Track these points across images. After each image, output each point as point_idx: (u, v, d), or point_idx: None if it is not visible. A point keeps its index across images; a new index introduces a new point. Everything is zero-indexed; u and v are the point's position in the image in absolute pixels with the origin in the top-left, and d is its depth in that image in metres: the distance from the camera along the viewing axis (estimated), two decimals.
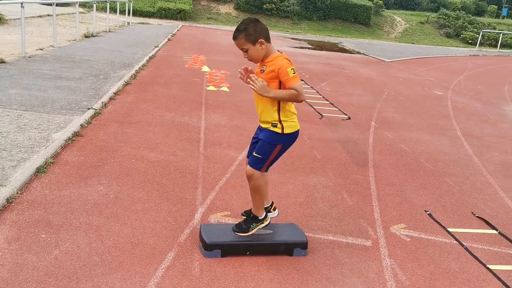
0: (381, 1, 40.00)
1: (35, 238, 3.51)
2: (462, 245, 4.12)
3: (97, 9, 19.42)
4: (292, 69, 3.24)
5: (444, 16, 39.93)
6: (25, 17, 12.03)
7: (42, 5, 22.81)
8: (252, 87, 3.31)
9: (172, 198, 4.46)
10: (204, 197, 4.56)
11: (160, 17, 31.21)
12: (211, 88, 9.80)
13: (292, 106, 3.43)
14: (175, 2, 32.78)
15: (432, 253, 3.94)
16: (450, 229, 4.41)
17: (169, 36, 19.61)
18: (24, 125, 5.90)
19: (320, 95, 10.41)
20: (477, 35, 35.43)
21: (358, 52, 22.87)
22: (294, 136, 3.46)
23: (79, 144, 5.60)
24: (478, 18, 42.29)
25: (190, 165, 5.35)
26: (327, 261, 3.65)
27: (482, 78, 17.39)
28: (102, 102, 7.44)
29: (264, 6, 34.80)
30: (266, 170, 3.55)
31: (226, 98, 9.09)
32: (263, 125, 3.46)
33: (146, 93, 8.67)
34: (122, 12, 24.65)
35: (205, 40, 20.64)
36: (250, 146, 3.69)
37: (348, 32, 34.90)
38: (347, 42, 28.70)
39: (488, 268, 3.77)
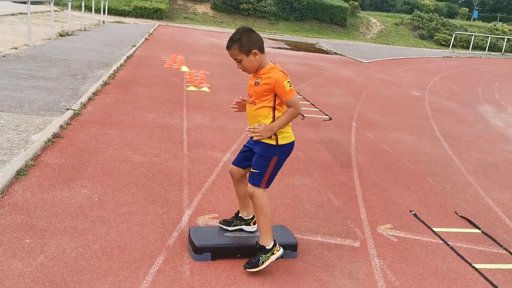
0: (356, 3, 40.41)
1: (19, 243, 3.41)
2: (448, 245, 4.17)
3: (71, 7, 19.07)
4: (288, 82, 3.21)
5: (418, 18, 40.56)
6: None
7: (14, 3, 22.31)
8: (257, 136, 3.26)
9: (158, 200, 4.39)
10: (191, 199, 4.51)
11: (136, 16, 30.84)
12: (192, 88, 9.73)
13: None
14: (151, 1, 32.45)
15: (419, 253, 3.98)
16: (435, 229, 4.46)
17: (146, 36, 19.39)
18: (1, 126, 5.73)
19: (301, 95, 10.44)
20: (450, 37, 36.09)
21: (335, 53, 23.04)
22: (289, 147, 3.40)
23: (59, 146, 5.48)
24: (450, 20, 43.09)
25: (174, 167, 5.29)
26: (317, 263, 3.65)
27: (456, 79, 17.72)
28: (81, 103, 7.30)
29: (241, 6, 34.76)
30: (267, 186, 3.42)
31: (207, 99, 9.03)
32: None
33: (126, 94, 8.54)
34: (97, 10, 24.28)
35: (182, 40, 20.49)
36: (239, 153, 3.62)
37: (324, 32, 35.13)
38: (324, 42, 28.89)
39: (474, 267, 3.82)
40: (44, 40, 14.33)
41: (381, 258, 3.83)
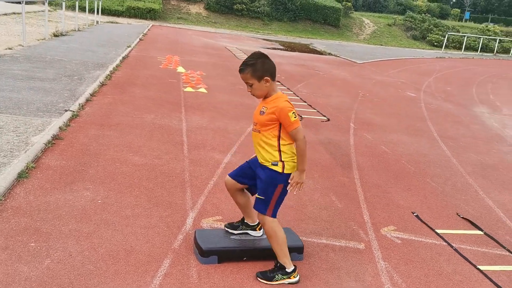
0: (349, 3, 40.50)
1: (24, 247, 3.38)
2: (452, 247, 4.19)
3: (65, 7, 18.93)
4: (293, 113, 3.20)
5: (410, 19, 40.73)
6: None
7: (7, 3, 22.13)
8: (299, 187, 3.32)
9: (162, 203, 4.37)
10: (194, 201, 4.49)
11: (129, 16, 30.69)
12: (189, 89, 9.70)
13: (293, 147, 3.33)
14: (144, 1, 32.32)
15: (424, 255, 4.00)
16: (438, 231, 4.48)
17: (140, 36, 19.31)
18: (0, 128, 5.68)
19: (298, 96, 10.45)
20: (442, 38, 36.27)
21: (329, 54, 23.08)
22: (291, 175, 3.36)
23: (59, 148, 5.44)
24: (442, 21, 43.32)
25: (176, 169, 5.27)
26: (323, 265, 3.65)
27: (450, 79, 17.82)
28: (79, 104, 7.25)
29: (235, 6, 34.71)
30: (274, 215, 3.37)
31: (204, 100, 9.01)
32: (263, 163, 3.34)
33: (123, 95, 8.50)
34: (90, 10, 24.14)
35: (177, 40, 20.44)
36: (239, 167, 3.61)
37: (318, 33, 35.18)
38: (317, 43, 28.93)
39: (478, 269, 3.85)
40: (38, 40, 14.22)
41: (386, 260, 3.84)
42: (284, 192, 3.37)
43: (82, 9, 24.00)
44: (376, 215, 4.70)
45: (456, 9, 60.94)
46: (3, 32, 15.08)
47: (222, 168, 5.45)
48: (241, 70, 3.29)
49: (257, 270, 3.43)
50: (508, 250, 4.26)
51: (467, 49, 36.07)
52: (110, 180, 4.71)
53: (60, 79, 8.90)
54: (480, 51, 36.09)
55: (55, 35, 15.61)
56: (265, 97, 3.34)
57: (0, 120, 5.96)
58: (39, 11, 23.64)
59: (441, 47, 34.93)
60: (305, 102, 9.98)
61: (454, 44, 37.03)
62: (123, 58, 12.76)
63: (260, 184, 3.35)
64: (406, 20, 40.73)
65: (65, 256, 3.33)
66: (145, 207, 4.24)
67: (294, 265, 3.40)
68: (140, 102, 8.09)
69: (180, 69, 12.11)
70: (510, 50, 37.68)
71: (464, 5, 68.99)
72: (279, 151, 3.29)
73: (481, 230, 4.62)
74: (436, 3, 53.92)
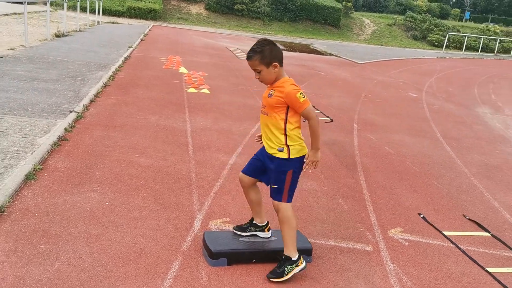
0: (350, 3, 40.51)
1: (34, 249, 3.38)
2: (459, 248, 4.19)
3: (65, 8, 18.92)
4: (301, 93, 3.25)
5: (410, 19, 40.75)
6: None
7: (7, 3, 22.12)
8: (315, 166, 3.42)
9: (169, 204, 4.38)
10: (201, 203, 4.50)
11: (130, 17, 30.68)
12: (192, 90, 9.70)
13: (299, 132, 3.40)
14: (144, 2, 32.32)
15: (432, 257, 4.00)
16: (445, 232, 4.48)
17: (141, 36, 19.31)
18: (6, 129, 5.68)
19: None
20: (443, 38, 36.31)
21: (330, 54, 23.09)
22: (302, 160, 3.42)
23: (65, 149, 5.44)
24: (443, 21, 43.33)
25: (182, 170, 5.27)
26: (332, 267, 3.65)
27: (451, 80, 17.83)
28: (83, 105, 7.25)
29: (235, 6, 34.71)
30: (289, 200, 3.44)
31: (207, 100, 9.01)
32: (270, 151, 3.39)
33: (126, 95, 8.50)
34: (91, 10, 24.11)
35: (178, 41, 20.43)
36: (250, 162, 3.66)
37: (318, 33, 35.19)
38: (318, 43, 28.94)
39: (487, 271, 3.85)
40: (40, 41, 14.22)
41: (394, 262, 3.84)
42: (295, 177, 3.43)
43: (82, 9, 23.99)
44: (383, 216, 4.70)
45: (456, 9, 60.96)
46: (5, 32, 15.08)
47: (227, 170, 5.46)
48: (249, 57, 3.33)
49: (266, 272, 3.43)
50: None
51: (467, 49, 36.10)
52: (117, 182, 4.72)
53: (64, 80, 8.90)
54: (480, 51, 36.13)
55: (57, 36, 15.61)
56: (273, 82, 3.39)
57: (5, 122, 5.96)
58: (39, 11, 23.63)
59: (442, 47, 34.96)
60: None
61: (455, 44, 37.06)
62: (125, 58, 12.76)
63: (272, 174, 3.42)
64: (406, 20, 40.76)
65: (75, 258, 3.33)
66: (153, 209, 4.24)
67: (298, 252, 3.44)
68: (143, 103, 8.09)
69: (182, 69, 12.11)
70: (511, 50, 37.70)
71: (464, 5, 69.02)
72: (285, 135, 3.36)
73: (488, 231, 4.63)
74: (436, 3, 53.93)
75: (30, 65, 9.91)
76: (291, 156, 3.38)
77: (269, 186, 3.50)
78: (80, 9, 22.45)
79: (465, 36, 36.50)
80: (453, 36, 37.11)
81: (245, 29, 32.59)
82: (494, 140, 8.77)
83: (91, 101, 7.71)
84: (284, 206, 3.40)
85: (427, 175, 6.18)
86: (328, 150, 6.71)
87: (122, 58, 12.53)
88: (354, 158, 6.51)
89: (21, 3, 13.57)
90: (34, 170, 4.65)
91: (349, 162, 6.30)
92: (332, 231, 4.25)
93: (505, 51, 38.19)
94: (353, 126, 8.43)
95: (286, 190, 3.40)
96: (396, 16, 42.85)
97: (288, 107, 3.31)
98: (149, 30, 23.47)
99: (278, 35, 31.91)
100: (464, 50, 35.39)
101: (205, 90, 9.85)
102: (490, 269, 3.88)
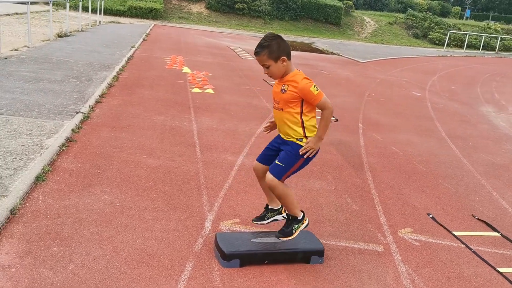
0: (350, 2, 40.48)
1: (48, 252, 3.39)
2: (470, 249, 4.20)
3: (66, 7, 18.89)
4: (314, 86, 3.28)
5: (411, 17, 40.70)
6: None
7: (8, 3, 22.10)
8: (311, 153, 3.37)
9: (179, 206, 4.38)
10: (211, 204, 4.50)
11: (131, 16, 30.67)
12: (196, 90, 9.70)
13: (314, 121, 3.44)
14: (146, 1, 32.31)
15: (443, 257, 4.00)
16: (455, 232, 4.48)
17: (143, 36, 19.30)
18: (14, 131, 5.69)
19: None
20: (444, 36, 36.28)
21: (332, 53, 23.08)
22: (316, 152, 3.45)
23: (73, 150, 5.45)
24: (443, 19, 43.29)
25: (190, 171, 5.28)
26: (344, 268, 3.66)
27: (454, 78, 17.82)
28: (89, 106, 7.26)
29: (236, 5, 34.69)
30: (283, 181, 3.50)
31: (212, 100, 9.01)
32: (288, 138, 3.44)
33: (132, 96, 8.50)
34: (92, 10, 24.10)
35: (180, 40, 20.43)
36: (265, 150, 3.67)
37: (319, 32, 35.17)
38: (319, 42, 28.93)
39: (498, 272, 3.85)
40: (43, 41, 14.23)
41: (406, 263, 3.84)
42: (303, 165, 3.50)
43: (84, 9, 23.97)
44: (392, 217, 4.70)
45: (456, 7, 60.90)
46: (7, 33, 15.07)
47: (236, 170, 5.46)
48: (257, 53, 3.35)
49: (279, 274, 3.45)
50: None
51: (468, 47, 36.06)
52: (126, 183, 4.72)
53: (69, 81, 8.90)
54: (481, 49, 36.09)
55: (59, 36, 15.61)
56: (283, 76, 3.39)
57: (13, 123, 5.97)
58: (41, 11, 23.63)
59: (443, 46, 34.93)
60: None
61: (456, 43, 37.03)
62: (128, 58, 12.77)
63: (283, 154, 3.44)
64: (407, 18, 40.71)
65: (88, 261, 3.34)
66: (163, 210, 4.25)
67: (302, 210, 3.61)
68: (149, 104, 8.09)
69: (186, 69, 12.11)
70: None
71: (465, 3, 68.95)
72: (303, 127, 3.40)
73: (498, 231, 4.63)
74: (436, 1, 53.89)
75: (34, 66, 9.91)
76: None
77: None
78: (82, 8, 22.45)
79: (466, 34, 36.47)
80: (454, 34, 37.08)
81: (246, 28, 32.57)
82: (500, 139, 8.77)
83: (97, 102, 7.71)
84: (278, 183, 3.43)
85: (434, 174, 6.18)
86: (334, 150, 6.71)
87: (125, 58, 12.53)
88: (360, 158, 6.51)
89: (24, 3, 13.56)
90: (43, 171, 4.66)
91: (356, 162, 6.31)
92: (342, 231, 4.26)
93: (506, 49, 38.15)
94: (358, 125, 8.43)
95: (289, 173, 3.47)
96: (397, 14, 42.83)
97: (302, 100, 3.33)
98: (151, 29, 23.46)
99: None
100: (465, 48, 35.35)
101: (210, 90, 9.85)
102: (501, 269, 3.88)
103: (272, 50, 3.28)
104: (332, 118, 8.71)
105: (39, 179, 4.50)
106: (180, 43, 19.38)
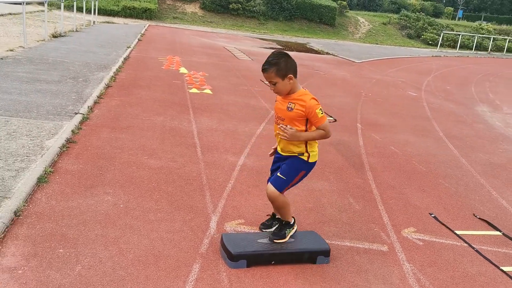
0: (344, 2, 40.58)
1: (53, 253, 3.37)
2: (473, 248, 4.22)
3: (59, 8, 18.78)
4: (320, 109, 3.37)
5: (405, 18, 40.85)
6: None
7: (2, 3, 21.94)
8: (283, 136, 3.40)
9: (183, 206, 4.37)
10: (215, 205, 4.50)
11: (125, 16, 30.55)
12: (194, 90, 9.69)
13: None
14: (140, 1, 32.20)
15: (447, 256, 4.02)
16: (457, 232, 4.51)
17: (138, 36, 19.24)
18: (13, 132, 5.65)
19: None
20: (437, 36, 36.45)
21: (327, 53, 23.12)
22: (314, 164, 3.60)
23: (74, 151, 5.42)
24: (436, 20, 43.50)
25: (192, 172, 5.27)
26: (350, 268, 3.67)
27: (448, 78, 17.91)
28: (88, 107, 7.22)
29: (230, 6, 34.66)
30: (283, 193, 3.59)
31: (211, 101, 9.00)
32: (289, 154, 3.53)
33: (130, 96, 8.48)
34: (86, 10, 23.99)
35: (175, 41, 20.38)
36: (271, 171, 3.75)
37: (314, 32, 35.22)
38: (314, 42, 28.96)
39: (502, 270, 3.88)
40: (38, 41, 14.14)
41: (411, 262, 3.86)
42: (302, 178, 3.61)
43: (78, 9, 23.85)
44: (395, 216, 4.72)
45: (449, 7, 61.25)
46: (2, 33, 14.98)
47: (237, 171, 5.46)
48: (264, 70, 3.39)
49: (286, 274, 3.46)
50: None
51: (461, 47, 36.26)
52: (129, 184, 4.71)
53: (66, 81, 8.86)
54: (474, 50, 36.30)
55: (54, 36, 15.52)
56: (288, 93, 3.43)
57: (12, 124, 5.93)
58: (34, 12, 23.49)
59: (436, 46, 35.11)
60: None
61: (449, 43, 37.21)
62: (125, 59, 12.72)
63: (285, 167, 3.53)
64: (401, 18, 40.87)
65: (95, 262, 3.32)
66: (167, 211, 4.24)
67: (293, 217, 3.77)
68: (147, 104, 8.07)
69: (183, 70, 12.09)
70: (504, 49, 37.91)
71: (457, 4, 69.34)
72: (305, 144, 3.48)
73: (499, 230, 4.66)
74: (429, 2, 54.15)
75: (30, 66, 9.86)
76: (310, 160, 3.55)
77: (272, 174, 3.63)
78: (76, 8, 22.35)
79: (459, 34, 36.68)
80: (447, 34, 37.28)
81: (241, 29, 32.56)
82: (496, 139, 8.83)
83: (95, 103, 7.68)
84: (279, 194, 3.52)
85: (434, 174, 6.21)
86: (334, 150, 6.73)
87: (122, 59, 12.48)
88: (361, 158, 6.53)
89: (19, 3, 13.48)
90: (45, 173, 4.64)
91: (356, 162, 6.32)
92: (346, 231, 4.27)
93: (498, 49, 38.37)
94: (356, 126, 8.46)
95: (290, 185, 3.58)
96: (390, 14, 42.97)
97: (307, 120, 3.42)
98: (146, 30, 23.39)
99: (274, 34, 31.91)
100: (459, 49, 35.55)
101: (207, 91, 9.84)
102: (504, 268, 3.91)
103: (280, 68, 3.32)
104: (331, 118, 8.75)
105: (41, 180, 4.47)
106: (175, 43, 19.34)
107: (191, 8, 35.08)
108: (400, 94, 12.92)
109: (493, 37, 38.63)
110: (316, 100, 3.39)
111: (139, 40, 18.19)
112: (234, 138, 6.77)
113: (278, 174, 3.52)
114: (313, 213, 4.57)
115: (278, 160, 3.64)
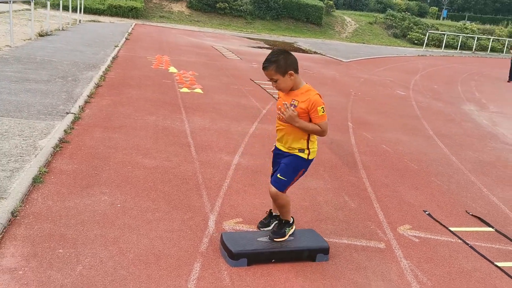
0: (331, 1, 40.75)
1: (53, 254, 3.35)
2: (467, 244, 4.29)
3: (44, 6, 18.60)
4: (322, 107, 3.38)
5: (391, 17, 41.16)
6: None
7: None
8: (281, 114, 3.42)
9: (180, 206, 4.37)
10: (212, 204, 4.50)
11: (111, 15, 30.31)
12: (185, 90, 9.66)
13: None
14: (126, 0, 31.99)
15: (443, 253, 4.09)
16: (451, 228, 4.58)
17: (126, 35, 19.11)
18: (5, 132, 5.60)
19: None
20: (422, 36, 36.79)
21: (315, 52, 23.21)
22: (312, 160, 3.63)
23: (68, 151, 5.38)
24: (421, 19, 43.91)
25: (187, 171, 5.27)
26: (349, 265, 3.70)
27: (435, 77, 18.10)
28: (79, 106, 7.18)
29: (217, 5, 34.59)
30: (285, 192, 3.63)
31: (202, 100, 8.99)
32: (289, 151, 3.54)
33: (120, 96, 8.43)
34: (72, 9, 23.75)
35: (163, 40, 20.29)
36: (273, 172, 3.76)
37: (300, 31, 35.31)
38: (301, 41, 29.05)
39: (496, 266, 3.95)
40: (24, 40, 13.99)
41: (408, 259, 3.91)
42: (301, 175, 3.65)
43: (63, 7, 23.60)
44: (390, 214, 4.78)
45: (434, 7, 61.87)
46: None
47: (233, 170, 5.47)
48: (265, 68, 3.42)
49: (287, 272, 3.48)
50: None
51: (446, 47, 36.63)
52: (125, 184, 4.69)
53: (55, 81, 8.78)
54: (459, 49, 36.72)
55: (41, 35, 15.35)
56: (291, 89, 3.46)
57: (4, 124, 5.87)
58: (19, 10, 23.20)
59: (422, 45, 35.42)
60: None
61: (434, 42, 37.57)
62: (113, 58, 12.63)
63: (284, 167, 3.56)
64: (386, 18, 41.16)
65: (96, 262, 3.31)
66: (165, 211, 4.23)
67: (292, 216, 3.79)
68: (138, 104, 8.04)
69: (172, 69, 12.05)
70: (488, 48, 38.43)
71: (442, 3, 70.09)
72: (307, 140, 3.52)
73: (492, 227, 4.74)
74: (414, 1, 54.64)
75: (19, 66, 9.75)
76: (309, 158, 3.57)
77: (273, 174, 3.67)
78: (62, 7, 22.12)
79: (444, 34, 37.07)
80: (433, 34, 37.65)
81: (228, 28, 32.51)
82: (484, 137, 8.96)
83: (86, 102, 7.63)
84: (281, 194, 3.57)
85: (426, 172, 6.29)
86: (327, 149, 6.77)
87: (110, 58, 12.40)
88: (353, 157, 6.59)
89: (5, 2, 13.30)
90: (40, 173, 4.60)
91: (349, 161, 6.38)
92: (343, 229, 4.31)
93: (482, 48, 38.87)
94: (347, 124, 8.52)
95: (291, 184, 3.62)
96: (376, 14, 43.25)
97: (310, 117, 3.44)
98: (133, 28, 23.24)
99: (261, 34, 31.93)
100: (444, 48, 35.93)
101: (198, 90, 9.82)
102: (499, 264, 3.98)
103: (279, 65, 3.35)
104: None
105: (36, 180, 4.44)
106: (162, 42, 19.25)
107: (177, 7, 34.93)
108: (388, 93, 13.03)
109: (477, 37, 39.12)
110: (320, 97, 3.42)
111: (126, 39, 18.07)
112: (227, 137, 6.77)
113: (278, 175, 3.55)
114: (309, 211, 4.60)
115: (278, 155, 3.65)
